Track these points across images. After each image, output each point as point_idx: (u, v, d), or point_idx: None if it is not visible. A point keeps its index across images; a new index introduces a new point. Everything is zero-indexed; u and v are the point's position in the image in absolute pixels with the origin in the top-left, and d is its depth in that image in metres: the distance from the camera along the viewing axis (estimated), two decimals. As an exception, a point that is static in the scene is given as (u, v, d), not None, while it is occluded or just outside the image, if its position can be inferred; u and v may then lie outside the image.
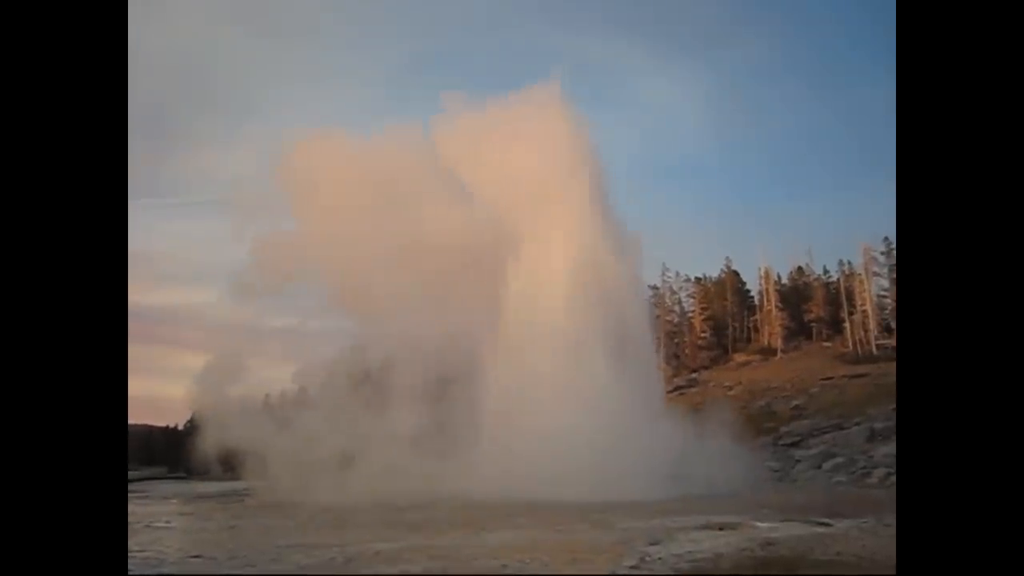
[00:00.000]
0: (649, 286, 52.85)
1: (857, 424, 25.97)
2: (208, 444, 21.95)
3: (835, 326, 47.15)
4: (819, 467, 23.70)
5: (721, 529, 10.70)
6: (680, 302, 55.38)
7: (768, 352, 46.60)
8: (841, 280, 48.76)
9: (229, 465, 22.72)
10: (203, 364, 25.45)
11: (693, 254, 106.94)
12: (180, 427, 23.73)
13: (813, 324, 48.12)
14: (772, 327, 47.96)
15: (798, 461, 24.88)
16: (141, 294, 77.95)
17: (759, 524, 11.14)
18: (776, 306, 48.07)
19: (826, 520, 11.31)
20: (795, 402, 32.68)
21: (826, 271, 52.86)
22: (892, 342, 38.21)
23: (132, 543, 10.52)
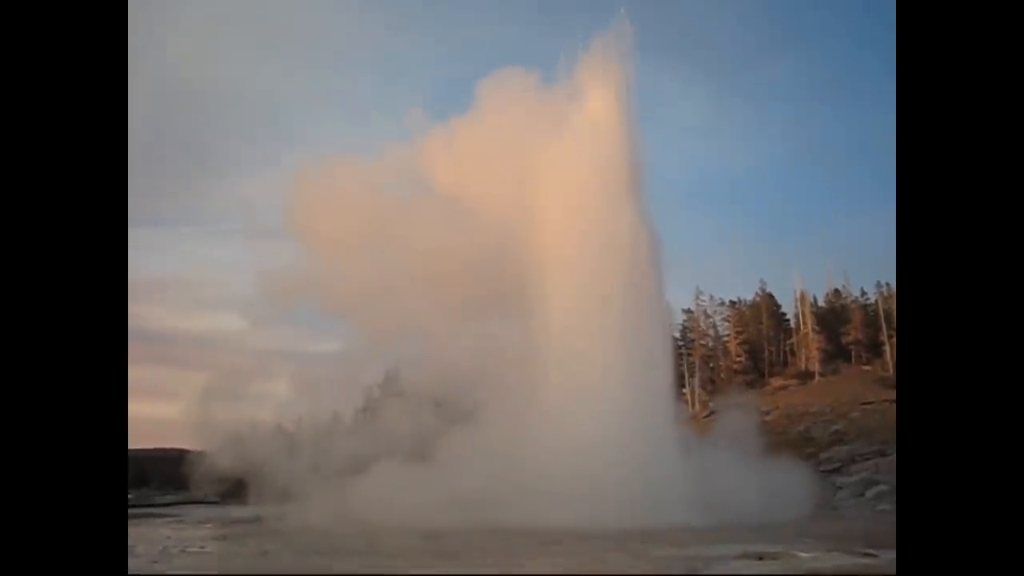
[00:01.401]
0: (683, 310, 52.42)
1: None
2: (237, 469, 22.08)
3: (874, 349, 46.05)
4: (862, 495, 23.01)
5: (761, 559, 10.38)
6: (715, 326, 54.65)
7: (806, 376, 45.64)
8: (879, 302, 47.71)
9: (258, 490, 22.80)
10: (233, 388, 25.70)
11: (727, 277, 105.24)
12: (213, 451, 23.90)
13: (851, 347, 47.05)
14: (809, 350, 47.02)
15: (839, 488, 24.17)
16: (178, 319, 79.48)
17: (801, 554, 10.79)
18: (813, 329, 47.16)
19: (870, 551, 10.91)
20: (835, 427, 31.85)
21: (863, 293, 51.86)
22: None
23: (169, 567, 10.59)
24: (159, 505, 32.57)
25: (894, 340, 43.09)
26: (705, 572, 7.17)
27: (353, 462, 20.28)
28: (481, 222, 21.65)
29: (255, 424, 25.49)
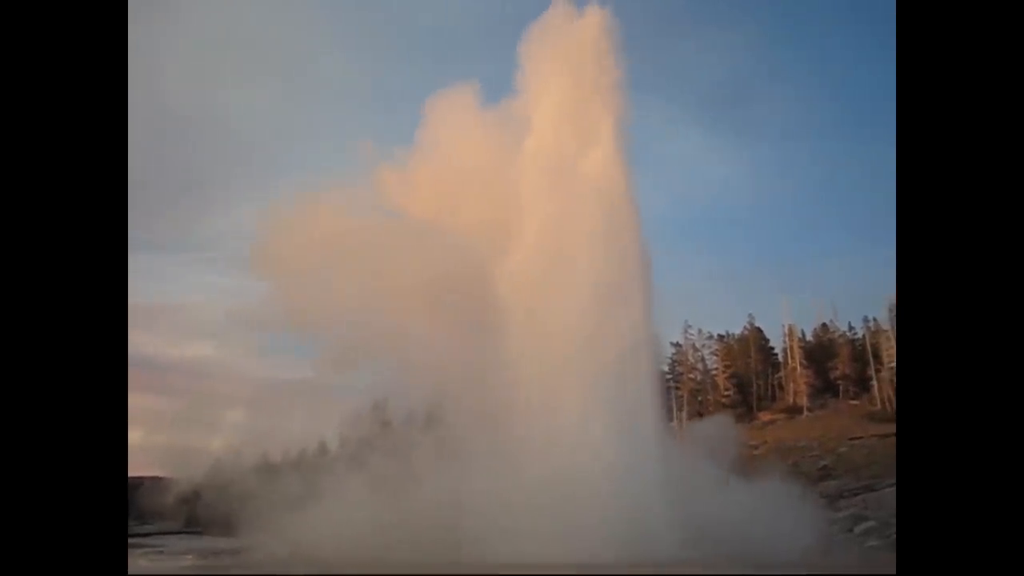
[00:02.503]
0: (671, 343, 52.49)
1: (890, 486, 25.05)
2: (224, 499, 21.71)
3: (862, 384, 46.19)
4: (850, 530, 22.79)
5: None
6: (703, 359, 54.73)
7: (794, 410, 45.65)
8: (867, 336, 47.97)
9: (246, 520, 22.39)
10: (227, 418, 25.44)
11: (716, 311, 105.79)
12: (201, 481, 23.53)
13: (839, 381, 47.18)
14: (797, 385, 47.09)
15: (829, 524, 23.97)
16: (173, 347, 78.59)
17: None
18: (801, 363, 47.30)
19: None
20: (823, 462, 31.74)
21: (851, 327, 52.18)
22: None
23: None
24: (138, 535, 31.87)
25: (881, 375, 43.25)
26: (706, 573, 7.08)
27: (333, 493, 19.94)
28: (461, 248, 21.51)
29: (238, 453, 25.13)
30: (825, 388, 47.40)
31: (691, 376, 51.97)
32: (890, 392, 41.81)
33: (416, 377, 21.87)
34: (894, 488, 24.58)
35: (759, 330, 53.57)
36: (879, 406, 41.36)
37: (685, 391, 49.84)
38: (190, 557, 21.53)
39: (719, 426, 24.95)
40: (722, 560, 15.09)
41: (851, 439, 34.43)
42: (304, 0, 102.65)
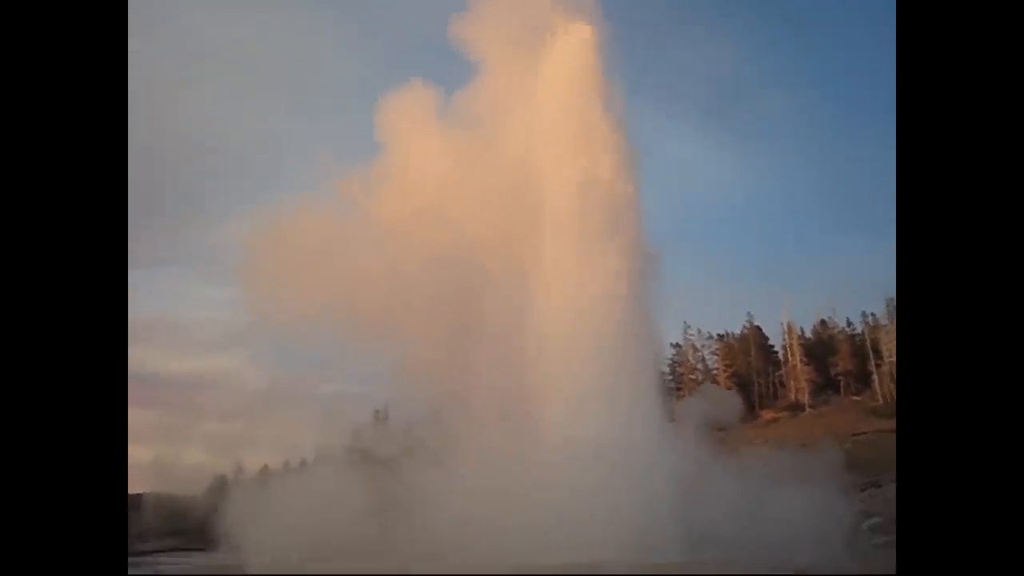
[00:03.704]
0: (671, 344, 52.31)
1: (895, 481, 24.87)
2: (227, 515, 21.39)
3: (863, 379, 46.06)
4: (857, 527, 22.57)
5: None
6: (704, 360, 54.54)
7: (796, 408, 45.46)
8: (866, 332, 47.86)
9: (245, 537, 22.10)
10: (222, 432, 25.13)
11: (715, 310, 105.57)
12: (202, 497, 23.23)
13: (840, 377, 47.04)
14: (799, 382, 46.94)
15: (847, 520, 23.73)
16: (172, 361, 78.04)
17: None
18: (801, 360, 47.15)
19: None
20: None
21: (849, 323, 52.05)
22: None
23: None
24: (135, 554, 31.47)
25: (882, 369, 43.11)
26: (706, 573, 6.89)
27: (335, 506, 19.64)
28: (460, 244, 21.23)
29: (239, 467, 24.84)
30: (826, 384, 47.24)
31: (692, 377, 51.75)
32: (891, 387, 41.65)
33: (413, 381, 21.63)
34: (900, 483, 24.36)
35: (758, 328, 53.43)
36: (881, 401, 41.21)
37: (687, 392, 49.62)
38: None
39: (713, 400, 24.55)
40: (729, 561, 14.84)
41: (855, 435, 34.24)
42: (302, 14, 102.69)
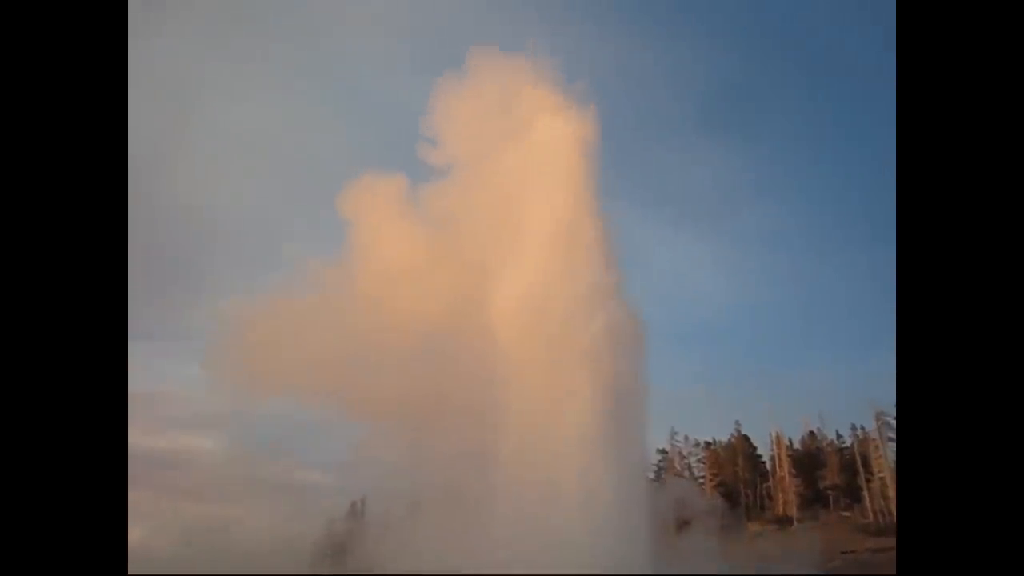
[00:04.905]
0: (658, 450, 51.44)
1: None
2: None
3: (852, 494, 45.10)
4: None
5: None
6: (690, 467, 53.48)
7: (784, 521, 44.21)
8: (855, 445, 47.27)
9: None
10: (194, 516, 24.30)
11: (702, 417, 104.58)
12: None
13: (829, 491, 46.04)
14: (786, 494, 45.88)
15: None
16: (146, 437, 75.73)
17: None
18: (789, 472, 46.27)
19: None
20: (815, 578, 30.41)
21: (839, 436, 51.47)
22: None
23: None
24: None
25: (872, 485, 42.28)
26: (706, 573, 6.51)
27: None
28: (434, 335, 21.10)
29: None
30: (815, 498, 46.18)
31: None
32: (881, 503, 40.76)
33: (387, 471, 21.08)
34: (890, 605, 23.47)
35: (746, 438, 52.70)
36: (871, 518, 40.20)
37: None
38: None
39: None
40: None
41: (843, 553, 33.18)
42: (304, 98, 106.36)
